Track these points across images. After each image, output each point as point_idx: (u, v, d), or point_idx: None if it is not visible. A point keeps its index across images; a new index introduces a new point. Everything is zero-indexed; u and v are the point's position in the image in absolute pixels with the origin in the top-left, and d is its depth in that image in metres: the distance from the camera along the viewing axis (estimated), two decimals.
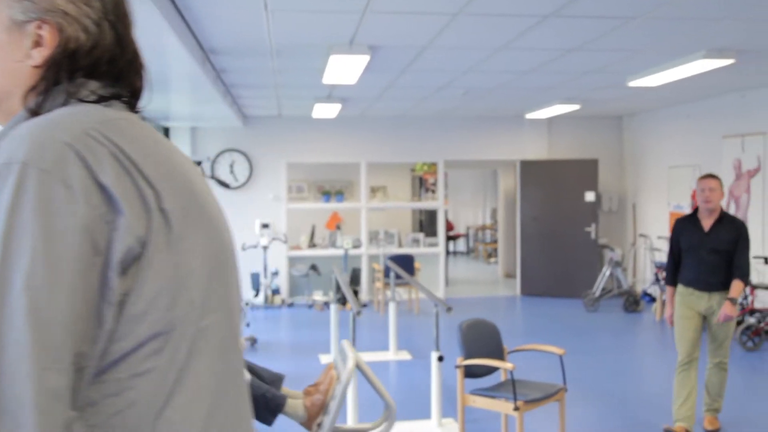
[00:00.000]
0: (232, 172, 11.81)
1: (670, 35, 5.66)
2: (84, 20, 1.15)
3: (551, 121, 12.02)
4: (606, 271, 10.67)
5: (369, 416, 5.76)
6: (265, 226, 11.35)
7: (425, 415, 5.84)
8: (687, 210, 10.23)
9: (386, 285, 10.81)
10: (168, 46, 5.09)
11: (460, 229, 20.05)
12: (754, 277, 8.66)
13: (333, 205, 12.22)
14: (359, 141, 11.91)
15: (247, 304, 8.54)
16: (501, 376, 5.23)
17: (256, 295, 11.52)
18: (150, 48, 5.20)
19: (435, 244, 12.26)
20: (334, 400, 3.56)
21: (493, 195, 18.38)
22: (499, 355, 5.11)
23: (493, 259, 17.15)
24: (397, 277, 10.63)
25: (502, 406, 4.66)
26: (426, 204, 12.84)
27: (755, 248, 8.53)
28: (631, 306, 10.43)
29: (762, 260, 8.57)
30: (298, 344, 8.88)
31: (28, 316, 0.92)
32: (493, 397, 4.74)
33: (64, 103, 1.13)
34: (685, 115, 10.31)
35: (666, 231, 10.81)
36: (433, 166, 12.74)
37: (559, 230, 11.76)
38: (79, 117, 1.07)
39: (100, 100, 1.16)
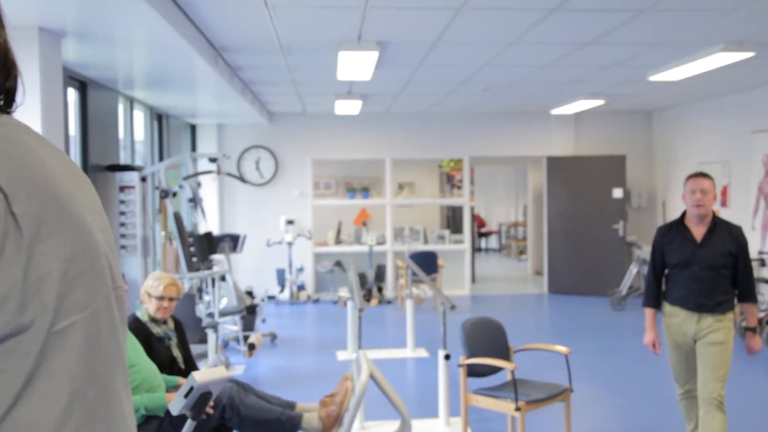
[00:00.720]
0: (257, 168, 11.88)
1: (685, 28, 5.52)
2: None
3: (578, 116, 11.85)
4: (633, 268, 10.48)
5: (381, 413, 5.74)
6: (290, 222, 11.39)
7: (436, 413, 5.80)
8: (716, 206, 9.99)
9: (417, 282, 10.78)
10: (173, 45, 5.12)
11: (492, 225, 19.91)
12: None
13: (358, 202, 12.22)
14: (384, 137, 11.88)
15: (263, 300, 8.56)
16: (507, 376, 5.15)
17: (282, 291, 11.57)
18: (157, 47, 5.25)
19: (461, 241, 12.17)
20: (348, 412, 3.56)
21: (525, 191, 18.21)
22: (505, 354, 5.04)
23: (524, 256, 16.98)
24: (417, 274, 10.60)
25: (504, 406, 4.60)
26: (451, 200, 12.78)
27: None
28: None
29: None
30: (318, 340, 8.89)
31: None
32: (495, 396, 4.68)
33: None
34: (714, 110, 10.08)
35: None
36: (459, 163, 12.66)
37: (586, 227, 11.59)
38: None
39: None
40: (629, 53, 6.48)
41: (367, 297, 11.28)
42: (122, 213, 7.13)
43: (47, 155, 1.17)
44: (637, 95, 9.50)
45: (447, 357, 5.43)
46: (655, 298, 4.48)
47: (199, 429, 3.44)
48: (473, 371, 4.88)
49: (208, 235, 7.68)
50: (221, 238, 9.06)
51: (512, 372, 4.63)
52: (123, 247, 7.13)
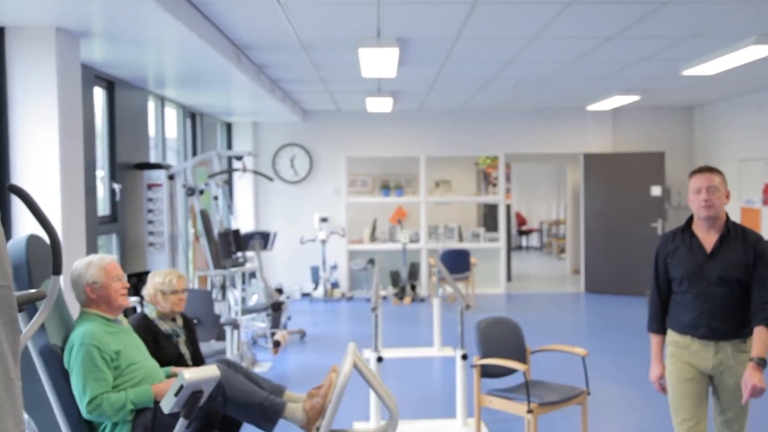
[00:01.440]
0: (292, 166, 11.93)
1: (713, 20, 5.35)
2: None
3: (616, 112, 11.62)
4: None
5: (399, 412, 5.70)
6: (323, 220, 11.41)
7: (454, 413, 5.73)
8: (758, 205, 9.70)
9: (441, 280, 10.69)
10: (190, 45, 5.15)
11: (533, 223, 19.68)
12: None
13: (392, 200, 12.19)
14: (418, 135, 11.82)
15: (288, 298, 8.58)
16: (524, 377, 5.05)
17: (315, 288, 11.61)
18: (174, 47, 5.29)
19: (496, 239, 12.05)
20: (330, 404, 3.53)
21: (565, 189, 17.96)
22: (521, 355, 4.95)
23: (563, 255, 16.75)
24: (450, 271, 10.52)
25: (517, 408, 4.52)
26: (486, 198, 12.65)
27: None
28: None
29: None
30: (347, 338, 8.88)
31: None
32: (508, 398, 4.61)
33: None
34: (756, 106, 9.77)
35: None
36: (495, 160, 12.53)
37: (623, 226, 11.36)
38: None
39: None
40: (657, 47, 6.31)
41: (401, 295, 11.25)
42: (150, 211, 7.21)
43: None
44: (674, 90, 9.27)
45: (464, 357, 5.37)
46: (661, 321, 3.71)
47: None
48: (487, 372, 4.81)
49: (236, 232, 7.72)
50: (252, 235, 9.11)
51: (525, 373, 4.54)
52: (151, 244, 7.22)
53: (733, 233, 3.55)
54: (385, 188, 12.32)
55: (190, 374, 2.88)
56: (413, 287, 11.46)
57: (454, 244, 11.73)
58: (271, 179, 8.82)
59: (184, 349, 4.12)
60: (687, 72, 7.21)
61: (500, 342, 4.90)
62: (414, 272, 11.53)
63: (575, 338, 8.53)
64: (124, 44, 5.38)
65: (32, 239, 3.42)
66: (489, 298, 11.37)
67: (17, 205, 4.69)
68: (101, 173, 6.73)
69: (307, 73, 7.59)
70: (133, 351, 3.50)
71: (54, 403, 3.36)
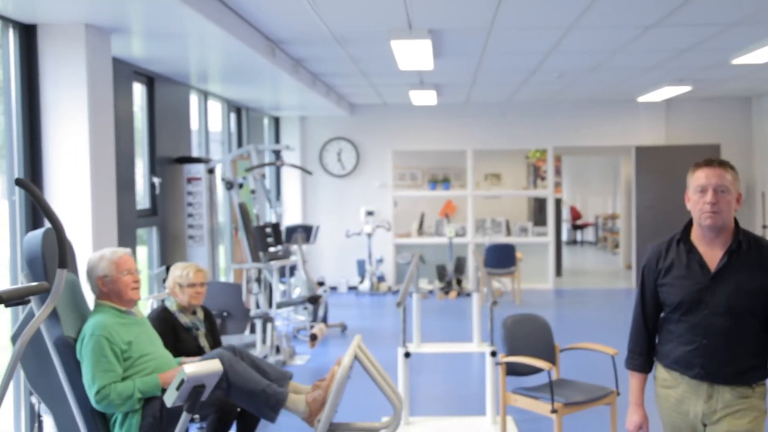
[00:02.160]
0: (339, 160, 11.95)
1: (759, 6, 5.12)
2: None
3: (669, 104, 11.27)
4: None
5: (426, 409, 5.65)
6: (369, 213, 11.39)
7: (484, 411, 5.65)
8: None
9: (487, 274, 10.57)
10: (218, 39, 5.18)
11: (588, 217, 19.31)
12: None
13: (438, 193, 12.11)
14: (465, 128, 11.69)
15: (326, 291, 8.58)
16: (554, 375, 4.94)
17: (362, 281, 11.61)
18: (202, 42, 5.32)
19: (544, 234, 11.85)
20: (330, 397, 3.50)
21: (619, 183, 17.58)
22: (549, 352, 4.84)
23: (618, 250, 16.39)
24: (495, 266, 10.40)
25: (542, 407, 4.41)
26: (535, 192, 12.45)
27: None
28: None
29: None
30: (387, 332, 8.85)
31: None
32: (534, 397, 4.51)
33: None
34: None
35: None
36: (545, 153, 12.33)
37: (676, 220, 10.84)
38: None
39: None
40: (701, 36, 6.09)
41: (446, 289, 11.17)
42: (189, 204, 7.30)
43: None
44: (727, 80, 8.94)
45: (493, 354, 5.28)
46: (644, 356, 2.93)
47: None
48: (515, 370, 4.71)
49: (275, 225, 7.76)
50: (294, 228, 9.15)
51: (550, 372, 4.43)
52: (191, 237, 7.31)
53: (745, 247, 2.73)
54: (432, 182, 12.23)
55: (191, 368, 2.88)
56: (459, 282, 11.36)
57: (501, 239, 11.58)
58: (310, 173, 8.84)
59: (203, 342, 4.15)
60: (737, 61, 6.95)
61: (527, 339, 4.80)
62: (460, 266, 11.43)
63: (615, 336, 8.29)
64: (155, 40, 5.44)
65: (48, 233, 3.47)
66: (536, 294, 11.19)
67: (51, 196, 4.78)
68: (141, 167, 6.84)
69: (345, 67, 7.56)
70: (145, 342, 3.53)
71: (69, 393, 3.41)
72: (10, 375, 2.79)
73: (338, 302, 10.86)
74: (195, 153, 8.10)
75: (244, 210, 7.17)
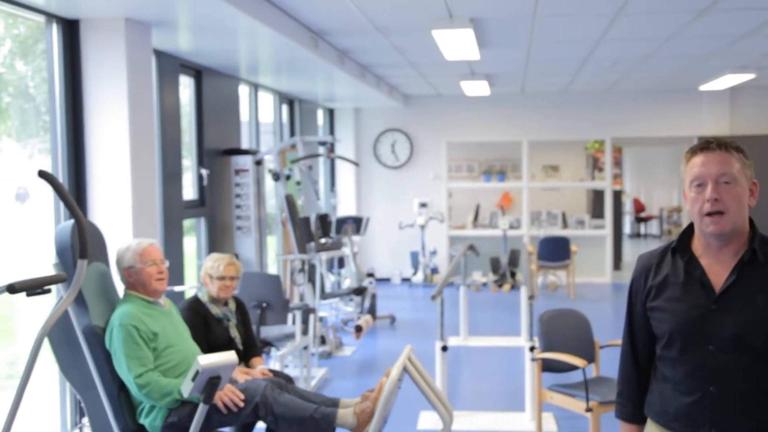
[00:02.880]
0: (393, 151, 11.92)
1: None
2: None
3: (733, 92, 10.85)
4: None
5: (470, 404, 5.58)
6: (423, 205, 11.33)
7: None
8: None
9: (540, 267, 10.41)
10: (256, 32, 5.20)
11: (652, 210, 18.82)
12: None
13: (493, 185, 11.96)
14: (520, 118, 11.52)
15: (371, 283, 8.56)
16: (593, 372, 4.81)
17: (415, 273, 11.57)
18: (240, 34, 5.35)
19: (602, 226, 11.59)
20: (378, 408, 3.47)
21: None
22: (588, 349, 4.71)
23: None
24: (549, 259, 10.22)
25: (577, 405, 4.30)
26: (592, 184, 12.17)
27: None
28: None
29: None
30: (436, 325, 8.78)
31: None
32: (569, 394, 4.40)
33: None
34: None
35: None
36: (603, 144, 12.03)
37: None
38: None
39: None
40: (761, 20, 5.82)
41: (500, 282, 11.04)
42: (237, 195, 7.38)
43: None
44: None
45: (532, 349, 5.17)
46: (636, 401, 2.25)
47: (232, 420, 3.47)
48: (551, 366, 4.60)
49: (323, 217, 7.79)
50: (344, 220, 9.17)
51: (584, 369, 4.31)
52: (239, 228, 7.39)
53: (762, 257, 2.06)
54: (487, 173, 12.09)
55: (204, 360, 2.90)
56: (513, 274, 11.21)
57: (557, 231, 11.37)
58: (357, 164, 8.83)
59: (234, 333, 4.17)
60: None
61: (565, 335, 4.69)
62: (514, 259, 11.28)
63: None
64: (197, 34, 5.50)
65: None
66: (592, 288, 10.96)
67: (93, 187, 4.89)
68: (190, 159, 6.94)
69: (392, 57, 7.51)
70: (171, 334, 3.56)
71: (97, 381, 3.47)
72: (33, 361, 2.85)
73: (390, 294, 10.86)
74: (245, 145, 8.18)
75: (290, 201, 7.21)
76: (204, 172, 6.89)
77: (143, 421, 3.45)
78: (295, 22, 5.67)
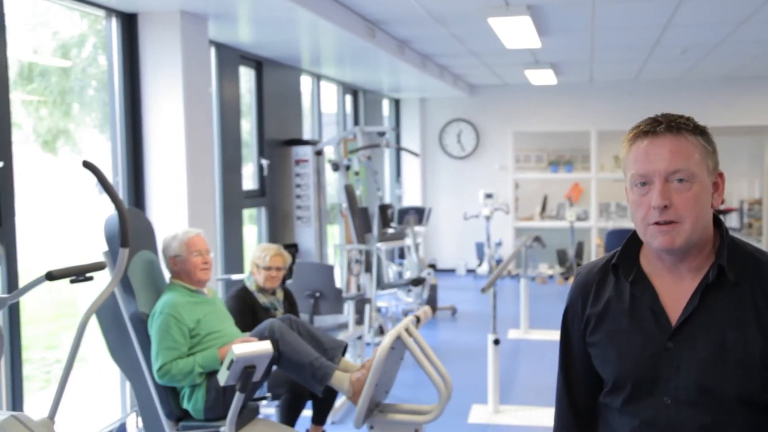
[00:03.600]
0: (459, 141, 11.83)
1: None
2: None
3: None
4: None
5: (518, 398, 5.51)
6: (488, 196, 11.21)
7: None
8: None
9: None
10: (308, 21, 5.22)
11: (732, 202, 18.12)
12: None
13: (561, 176, 11.74)
14: (588, 108, 11.26)
15: (429, 273, 8.51)
16: None
17: (480, 264, 11.47)
18: (292, 24, 5.38)
19: None
20: (368, 377, 3.46)
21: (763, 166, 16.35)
22: None
23: (761, 237, 15.30)
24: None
25: None
26: None
27: None
28: None
29: None
30: (500, 317, 8.68)
31: None
32: None
33: None
34: None
35: None
36: None
37: None
38: None
39: None
40: None
41: (566, 275, 10.85)
42: (298, 185, 7.45)
43: None
44: None
45: None
46: None
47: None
48: None
49: (383, 207, 7.79)
50: (406, 210, 9.15)
51: None
52: (299, 218, 7.46)
53: (733, 276, 1.53)
54: (554, 164, 11.88)
55: (240, 349, 2.93)
56: (579, 266, 10.99)
57: (626, 223, 11.08)
58: (417, 155, 8.79)
59: None
60: None
61: None
62: (581, 251, 11.06)
63: None
64: (255, 26, 5.56)
65: (129, 212, 3.63)
66: None
67: (150, 177, 5.01)
68: (252, 150, 7.04)
69: (452, 47, 7.44)
70: (214, 320, 3.62)
71: (143, 366, 3.57)
72: (77, 343, 2.93)
73: (454, 285, 10.80)
74: (308, 135, 8.24)
75: (350, 191, 7.24)
76: (264, 162, 6.98)
77: (186, 405, 3.53)
78: (350, 12, 5.67)
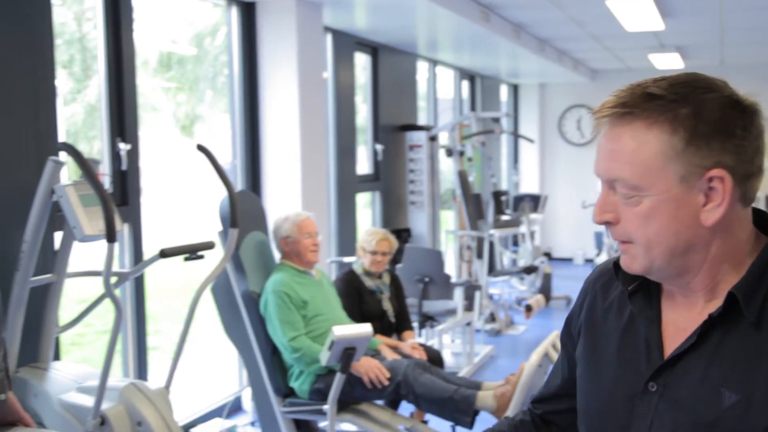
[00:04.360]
0: (579, 128, 11.54)
1: None
2: None
3: None
4: None
5: None
6: None
7: None
8: None
9: None
10: (425, 7, 5.24)
11: None
12: None
13: None
14: None
15: (543, 262, 8.35)
16: None
17: (598, 254, 11.17)
18: (407, 11, 5.42)
19: None
20: (515, 394, 3.44)
21: None
22: None
23: None
24: None
25: None
26: None
27: None
28: None
29: None
30: None
31: None
32: None
33: None
34: None
35: None
36: None
37: None
38: None
39: None
40: None
41: None
42: (411, 171, 7.50)
43: None
44: None
45: None
46: None
47: (375, 395, 3.58)
48: None
49: (497, 194, 7.73)
50: (522, 197, 9.04)
51: None
52: (412, 203, 7.52)
53: (753, 312, 1.05)
54: None
55: (340, 331, 3.01)
56: None
57: None
58: (532, 141, 8.64)
59: (387, 306, 4.27)
60: None
61: None
62: None
63: None
64: (370, 12, 5.64)
65: (241, 194, 3.79)
66: None
67: (267, 161, 5.19)
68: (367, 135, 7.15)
69: (570, 30, 7.26)
70: (321, 302, 3.72)
71: (253, 343, 3.72)
72: (190, 317, 3.09)
73: (571, 274, 10.57)
74: (423, 121, 8.27)
75: (463, 177, 7.23)
76: (379, 147, 7.06)
77: (293, 384, 3.65)
78: None
